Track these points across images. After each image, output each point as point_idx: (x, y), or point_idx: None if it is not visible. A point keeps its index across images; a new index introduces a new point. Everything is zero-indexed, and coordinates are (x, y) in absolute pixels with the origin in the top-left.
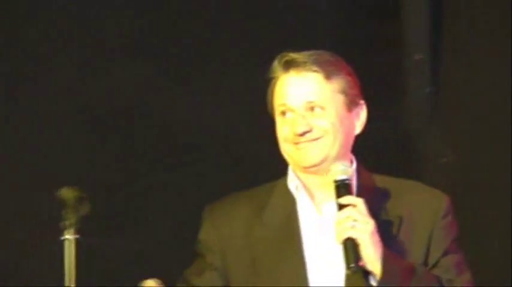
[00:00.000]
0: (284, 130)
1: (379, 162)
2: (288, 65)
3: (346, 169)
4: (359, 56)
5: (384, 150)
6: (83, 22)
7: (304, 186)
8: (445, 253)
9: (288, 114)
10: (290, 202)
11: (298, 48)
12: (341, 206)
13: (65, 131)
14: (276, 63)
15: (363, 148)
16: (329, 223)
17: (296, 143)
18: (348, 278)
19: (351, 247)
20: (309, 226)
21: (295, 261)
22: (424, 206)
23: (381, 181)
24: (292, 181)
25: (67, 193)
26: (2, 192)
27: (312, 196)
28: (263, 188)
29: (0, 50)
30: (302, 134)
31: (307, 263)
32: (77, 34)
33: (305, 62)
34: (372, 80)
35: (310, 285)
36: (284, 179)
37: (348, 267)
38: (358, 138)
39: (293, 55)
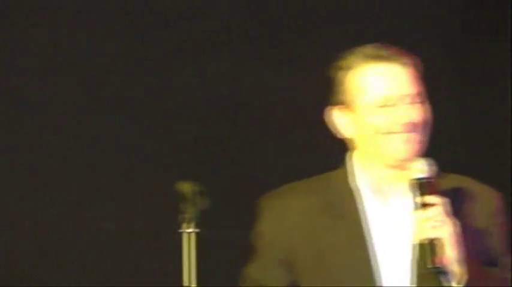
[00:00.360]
0: (384, 120)
1: (486, 152)
2: (374, 57)
3: (430, 167)
4: (480, 43)
5: (493, 140)
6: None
7: (372, 179)
8: (504, 252)
9: (386, 105)
10: (355, 193)
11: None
12: (424, 205)
13: (183, 126)
14: (355, 54)
15: (471, 137)
16: (397, 217)
17: (398, 133)
18: (422, 276)
19: (432, 248)
20: (375, 219)
21: (363, 254)
22: (480, 203)
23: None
24: (360, 174)
25: (186, 187)
26: (121, 184)
27: (378, 189)
28: (319, 178)
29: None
30: (406, 125)
31: (375, 256)
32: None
33: (393, 55)
34: (486, 69)
35: (379, 279)
36: (343, 170)
37: (428, 268)
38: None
39: (376, 47)
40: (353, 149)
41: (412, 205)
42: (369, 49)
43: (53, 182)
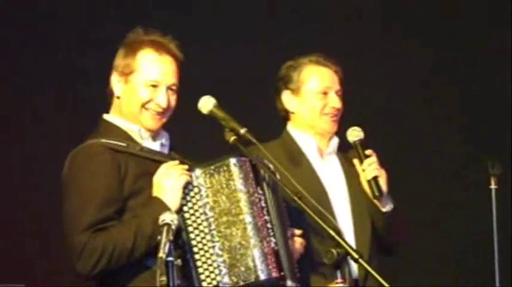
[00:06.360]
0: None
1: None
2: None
3: (361, 132)
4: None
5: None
6: None
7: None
8: None
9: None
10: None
11: None
12: (366, 156)
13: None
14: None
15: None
16: (332, 168)
17: (329, 115)
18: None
19: (376, 182)
20: (319, 169)
21: (320, 188)
22: None
23: None
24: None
25: None
26: None
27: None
28: (276, 141)
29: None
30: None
31: (325, 191)
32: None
33: (328, 62)
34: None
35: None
36: (289, 136)
37: (376, 196)
38: None
39: (317, 56)
40: (292, 120)
41: (337, 161)
42: (312, 57)
43: None
